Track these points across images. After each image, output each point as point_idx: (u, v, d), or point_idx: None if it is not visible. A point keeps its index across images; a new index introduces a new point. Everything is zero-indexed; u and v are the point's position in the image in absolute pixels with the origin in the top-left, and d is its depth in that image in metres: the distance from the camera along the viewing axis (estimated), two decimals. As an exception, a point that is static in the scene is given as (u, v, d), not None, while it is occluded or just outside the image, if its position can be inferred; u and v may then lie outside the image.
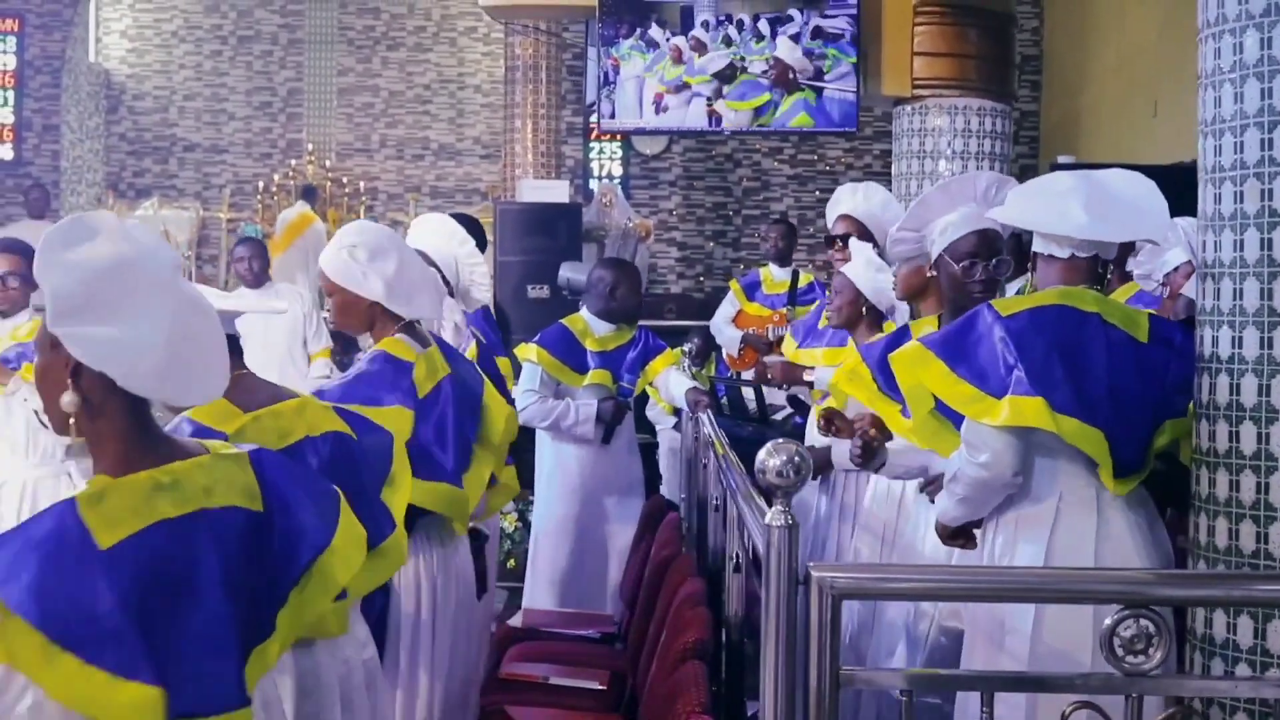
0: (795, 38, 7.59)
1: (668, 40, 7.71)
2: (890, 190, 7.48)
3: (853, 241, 5.34)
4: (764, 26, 7.61)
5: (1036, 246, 3.44)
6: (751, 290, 9.20)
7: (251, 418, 2.88)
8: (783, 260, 9.20)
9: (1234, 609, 2.94)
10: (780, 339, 8.86)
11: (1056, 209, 3.35)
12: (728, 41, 7.66)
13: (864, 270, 5.03)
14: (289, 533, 2.23)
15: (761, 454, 2.38)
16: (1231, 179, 3.02)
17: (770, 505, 2.37)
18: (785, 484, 2.36)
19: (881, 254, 5.10)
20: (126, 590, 2.02)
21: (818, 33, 7.55)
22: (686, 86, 7.80)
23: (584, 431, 6.19)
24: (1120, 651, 2.35)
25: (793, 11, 7.74)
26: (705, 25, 7.71)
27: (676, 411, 7.75)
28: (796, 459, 2.37)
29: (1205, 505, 3.07)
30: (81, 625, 2.00)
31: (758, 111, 7.83)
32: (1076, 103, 12.74)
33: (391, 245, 3.76)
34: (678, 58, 7.68)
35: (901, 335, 4.17)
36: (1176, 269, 5.05)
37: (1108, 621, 2.35)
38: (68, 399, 2.10)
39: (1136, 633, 2.36)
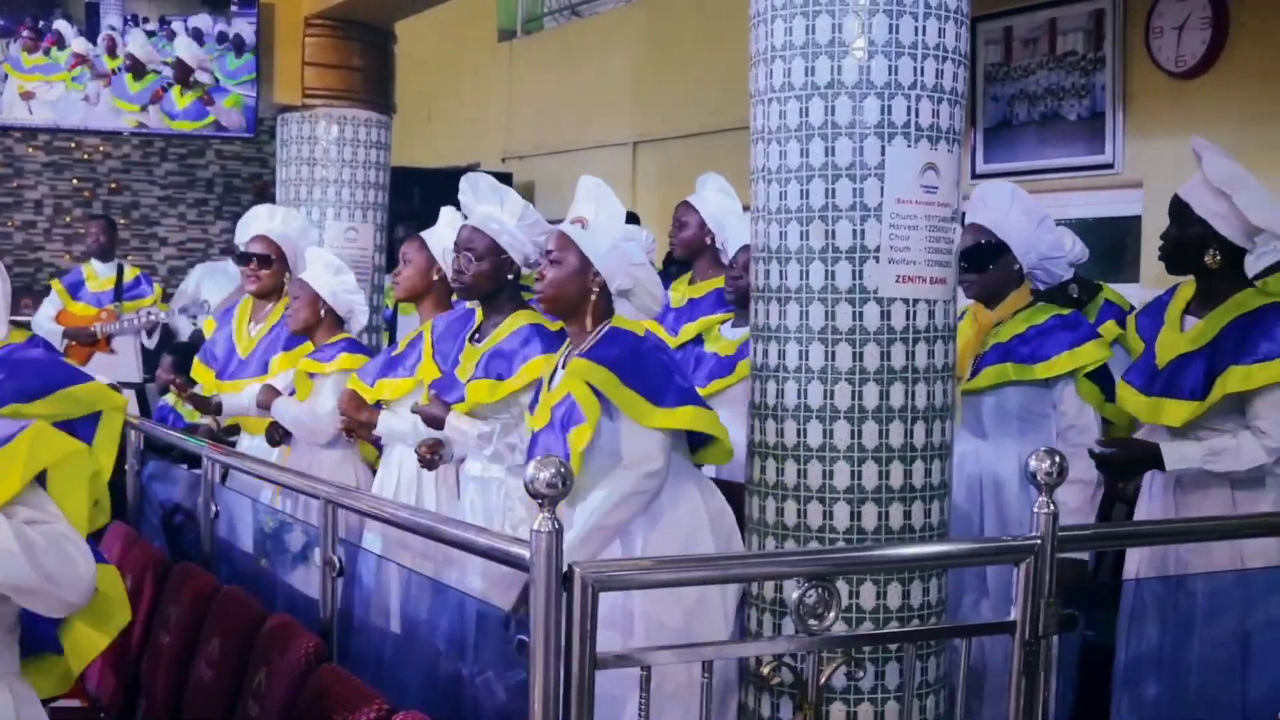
0: (199, 39, 7.60)
1: (75, 37, 7.45)
2: (275, 196, 7.63)
3: (310, 251, 5.52)
4: (178, 27, 7.54)
5: None
6: (75, 289, 9.01)
7: None
8: (104, 256, 9.07)
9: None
10: (110, 336, 8.74)
11: None
12: (133, 39, 7.55)
13: (324, 275, 5.27)
14: None
15: (531, 468, 2.63)
16: (792, 191, 3.62)
17: (539, 512, 2.62)
18: (554, 494, 2.63)
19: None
20: None
21: (221, 38, 7.59)
22: (93, 82, 7.61)
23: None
24: (805, 616, 2.86)
25: (200, 15, 7.73)
26: (122, 20, 7.52)
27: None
28: (563, 470, 2.64)
29: (773, 490, 3.66)
30: None
31: (163, 109, 7.78)
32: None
33: None
34: (82, 60, 7.47)
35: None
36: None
37: (796, 594, 2.85)
38: None
39: (817, 600, 2.88)
